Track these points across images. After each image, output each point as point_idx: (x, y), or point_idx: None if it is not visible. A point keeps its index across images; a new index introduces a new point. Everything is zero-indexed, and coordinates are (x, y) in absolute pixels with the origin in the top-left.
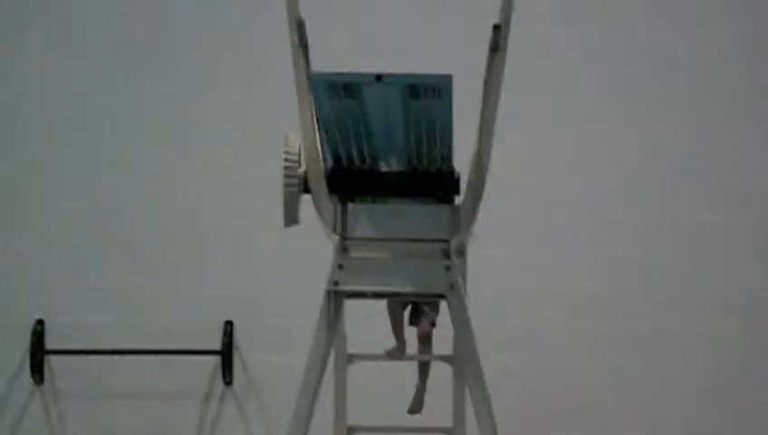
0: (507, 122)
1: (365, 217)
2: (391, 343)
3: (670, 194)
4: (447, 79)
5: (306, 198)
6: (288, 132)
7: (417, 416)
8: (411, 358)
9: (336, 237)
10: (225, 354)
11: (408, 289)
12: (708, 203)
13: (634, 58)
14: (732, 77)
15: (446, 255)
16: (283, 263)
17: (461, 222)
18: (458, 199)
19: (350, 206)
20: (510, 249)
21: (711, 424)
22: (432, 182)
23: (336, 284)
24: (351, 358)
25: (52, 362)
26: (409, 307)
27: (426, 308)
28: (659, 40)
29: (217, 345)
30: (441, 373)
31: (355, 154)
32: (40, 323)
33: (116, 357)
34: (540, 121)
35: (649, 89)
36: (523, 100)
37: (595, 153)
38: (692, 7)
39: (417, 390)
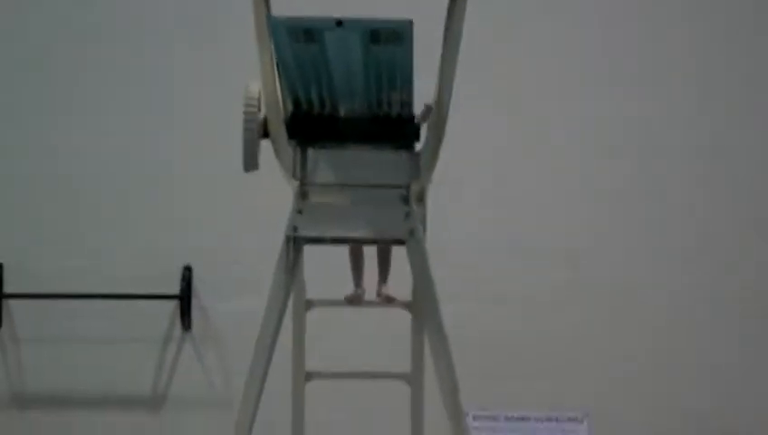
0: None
1: (325, 163)
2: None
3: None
4: (408, 24)
5: (266, 142)
6: (249, 79)
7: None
8: (372, 304)
9: (295, 183)
10: (184, 299)
11: (367, 235)
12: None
13: None
14: None
15: (406, 201)
16: (243, 209)
17: (421, 168)
18: (418, 145)
19: (310, 151)
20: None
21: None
22: (392, 127)
23: (295, 229)
24: (310, 304)
25: (11, 306)
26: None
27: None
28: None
29: (176, 290)
30: (400, 320)
31: (315, 99)
32: None
33: (74, 301)
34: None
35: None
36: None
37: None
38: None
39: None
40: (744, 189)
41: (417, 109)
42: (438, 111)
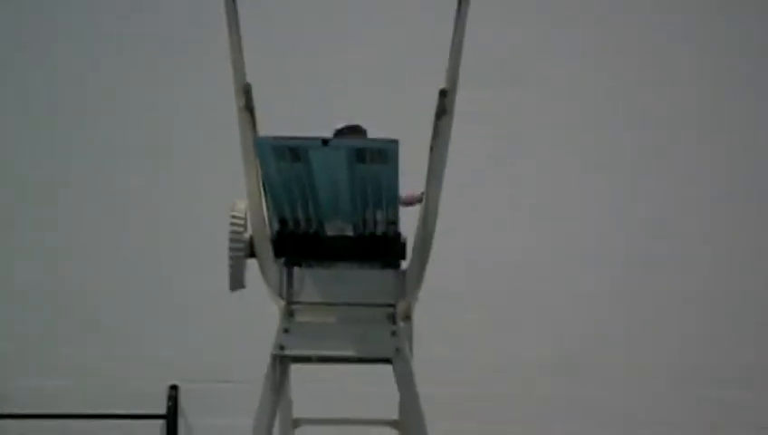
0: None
1: (311, 282)
2: (338, 413)
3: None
4: (394, 143)
5: (252, 261)
6: (235, 197)
7: None
8: (358, 422)
9: (282, 302)
10: (170, 419)
11: (354, 354)
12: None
13: None
14: None
15: (392, 319)
16: (229, 327)
17: (407, 286)
18: (404, 264)
19: (296, 270)
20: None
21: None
22: (378, 246)
23: (282, 348)
24: (297, 422)
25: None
26: None
27: None
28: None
29: (162, 409)
30: None
31: (301, 218)
32: None
33: (61, 422)
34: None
35: None
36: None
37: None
38: None
39: None
40: None
41: (403, 227)
42: (424, 230)
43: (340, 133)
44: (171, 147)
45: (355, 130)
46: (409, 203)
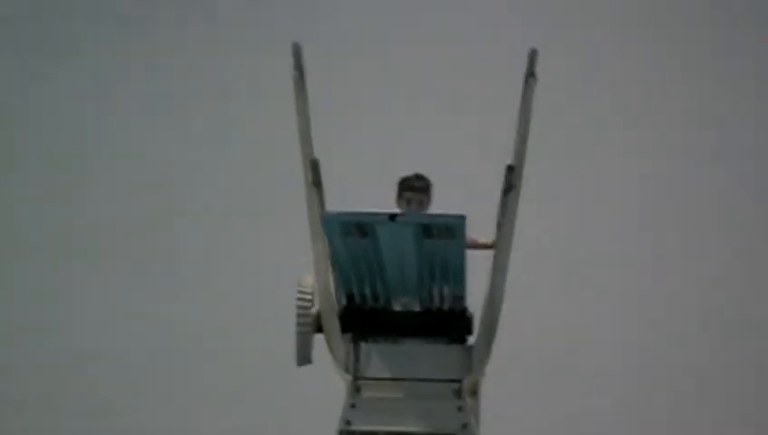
0: None
1: (377, 357)
2: None
3: None
4: (461, 219)
5: (319, 337)
6: (302, 272)
7: None
8: None
9: (349, 377)
10: None
11: (420, 429)
12: None
13: None
14: None
15: (459, 395)
16: (296, 401)
17: (473, 362)
18: (471, 339)
19: (363, 345)
20: None
21: None
22: (444, 322)
23: (348, 423)
24: None
25: None
26: None
27: None
28: None
29: None
30: None
31: (368, 293)
32: None
33: None
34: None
35: None
36: None
37: None
38: None
39: None
40: None
41: (470, 302)
42: (491, 307)
43: (405, 181)
44: (239, 220)
45: (421, 178)
46: (472, 246)
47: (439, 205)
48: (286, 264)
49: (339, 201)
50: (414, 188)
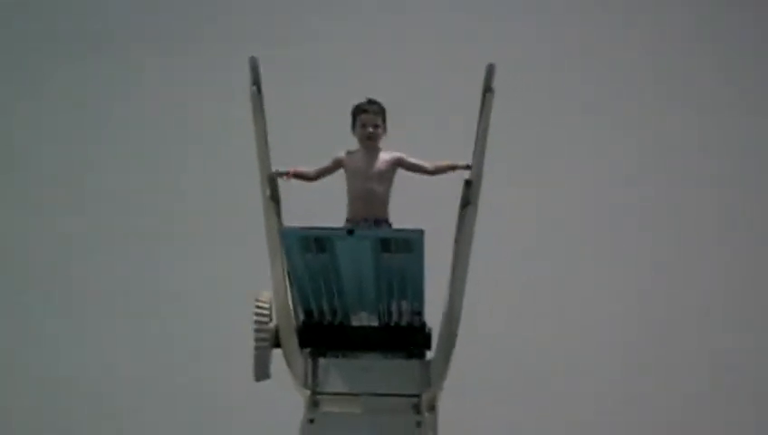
0: None
1: (336, 372)
2: None
3: None
4: (419, 233)
5: (277, 352)
6: (259, 288)
7: None
8: None
9: (307, 392)
10: None
11: None
12: None
13: None
14: None
15: (418, 410)
16: (254, 417)
17: (432, 377)
18: (429, 354)
19: (321, 360)
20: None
21: None
22: (403, 337)
23: None
24: None
25: None
26: None
27: None
28: None
29: None
30: None
31: (326, 308)
32: None
33: None
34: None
35: None
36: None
37: None
38: None
39: None
40: None
41: (428, 317)
42: (449, 322)
43: (359, 106)
44: (194, 234)
45: (373, 103)
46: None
47: (397, 219)
48: (243, 279)
49: (295, 217)
50: (368, 110)
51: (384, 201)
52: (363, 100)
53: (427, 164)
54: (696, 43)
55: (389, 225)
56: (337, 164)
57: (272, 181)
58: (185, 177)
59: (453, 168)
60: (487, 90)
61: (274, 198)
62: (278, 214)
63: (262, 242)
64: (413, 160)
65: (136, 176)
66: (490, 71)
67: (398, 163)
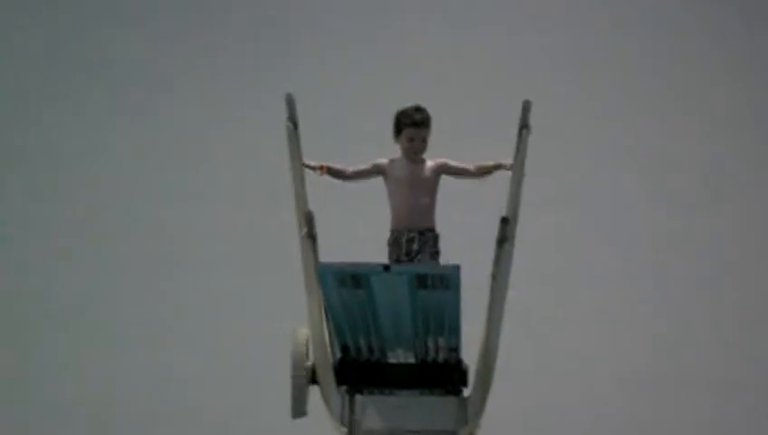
0: None
1: (373, 409)
2: None
3: None
4: (455, 270)
5: (314, 389)
6: (296, 325)
7: None
8: None
9: (344, 430)
10: None
11: None
12: None
13: None
14: None
15: None
16: None
17: (469, 414)
18: (466, 391)
19: (358, 397)
20: None
21: None
22: (440, 374)
23: None
24: None
25: None
26: None
27: None
28: None
29: None
30: None
31: (363, 345)
32: None
33: None
34: None
35: None
36: None
37: None
38: None
39: None
40: None
41: (465, 354)
42: (486, 358)
43: (405, 114)
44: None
45: (420, 110)
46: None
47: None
48: (281, 316)
49: (331, 253)
50: (417, 123)
51: (430, 210)
52: (410, 106)
53: (471, 167)
54: None
55: (436, 235)
56: (377, 170)
57: (309, 219)
58: (220, 208)
59: (498, 167)
60: (524, 126)
61: (311, 236)
62: (315, 251)
63: (297, 277)
64: (456, 164)
65: (175, 205)
66: (526, 107)
67: (443, 170)
